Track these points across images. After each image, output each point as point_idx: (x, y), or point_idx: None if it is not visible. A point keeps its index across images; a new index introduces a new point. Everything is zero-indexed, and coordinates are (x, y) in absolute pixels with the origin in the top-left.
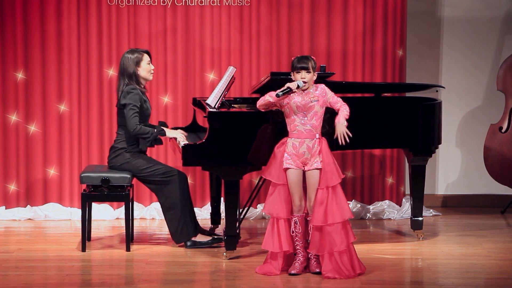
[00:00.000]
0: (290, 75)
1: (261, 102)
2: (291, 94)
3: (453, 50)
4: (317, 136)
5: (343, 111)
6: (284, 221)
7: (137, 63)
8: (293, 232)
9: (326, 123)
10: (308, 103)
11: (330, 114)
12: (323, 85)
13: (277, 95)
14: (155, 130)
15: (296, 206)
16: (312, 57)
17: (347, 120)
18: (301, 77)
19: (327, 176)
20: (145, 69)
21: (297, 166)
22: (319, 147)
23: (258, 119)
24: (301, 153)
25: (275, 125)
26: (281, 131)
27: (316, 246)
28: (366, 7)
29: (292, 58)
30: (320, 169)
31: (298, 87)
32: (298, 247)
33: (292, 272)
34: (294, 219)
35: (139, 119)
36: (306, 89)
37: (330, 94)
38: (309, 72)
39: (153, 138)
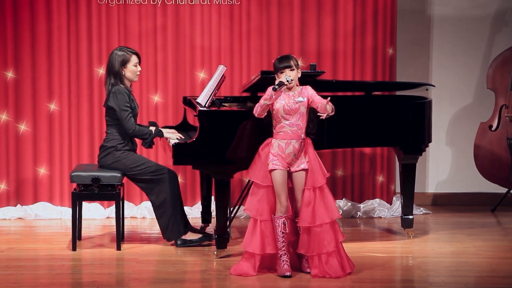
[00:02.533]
0: (276, 76)
1: (258, 109)
2: (279, 94)
3: (443, 48)
4: (303, 136)
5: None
6: (267, 223)
7: (124, 63)
8: (282, 233)
9: (310, 122)
10: (294, 103)
11: (314, 114)
12: (309, 87)
13: (274, 89)
14: (153, 131)
15: (283, 207)
16: (293, 55)
17: (335, 116)
18: (287, 75)
19: (313, 176)
20: (131, 70)
21: (283, 166)
22: (305, 148)
23: (249, 118)
24: (288, 154)
25: (257, 124)
26: (265, 130)
27: (304, 247)
28: (356, 6)
29: (273, 61)
30: (306, 170)
31: (287, 81)
32: (283, 249)
33: (287, 274)
34: (282, 220)
35: None
36: (291, 87)
37: (313, 92)
38: (293, 69)
39: (151, 139)
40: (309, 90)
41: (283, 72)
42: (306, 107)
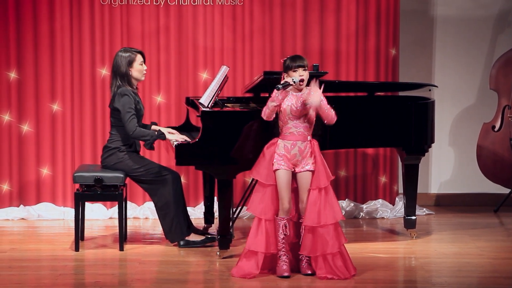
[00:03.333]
0: (284, 75)
1: (266, 111)
2: (286, 95)
3: (446, 49)
4: (309, 138)
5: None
6: (270, 222)
7: (130, 63)
8: (282, 234)
9: (317, 126)
10: (302, 105)
11: (318, 116)
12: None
13: (277, 88)
14: (155, 133)
15: (285, 208)
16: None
17: (337, 117)
18: (299, 75)
19: (319, 177)
20: (137, 69)
21: (288, 167)
22: (311, 149)
23: (251, 119)
24: (293, 155)
25: (263, 124)
26: (268, 131)
27: (308, 248)
28: (359, 6)
29: (281, 60)
30: (312, 171)
31: (294, 82)
32: (283, 250)
33: (285, 274)
34: (283, 222)
35: None
36: (301, 88)
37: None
38: (306, 70)
39: (153, 140)
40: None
41: (296, 70)
42: (313, 109)
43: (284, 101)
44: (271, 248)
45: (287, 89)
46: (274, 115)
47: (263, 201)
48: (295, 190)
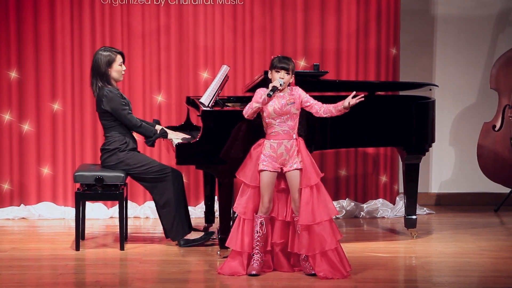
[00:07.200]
0: (269, 72)
1: (249, 111)
2: (272, 98)
3: (447, 48)
4: (294, 136)
5: (329, 106)
6: (250, 222)
7: (109, 63)
8: (258, 232)
9: (301, 127)
10: (285, 106)
11: (304, 116)
12: (298, 87)
13: (269, 95)
14: (158, 130)
15: (265, 208)
16: (293, 59)
17: (338, 116)
18: (280, 77)
19: (307, 175)
20: (116, 70)
21: (274, 168)
22: (297, 148)
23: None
24: (280, 153)
25: (260, 124)
26: (259, 131)
27: (305, 247)
28: (360, 6)
29: (272, 57)
30: (300, 169)
31: (280, 85)
32: (257, 248)
33: (253, 272)
34: (260, 220)
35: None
36: (282, 89)
37: (304, 94)
38: (288, 73)
39: (156, 138)
40: (299, 91)
41: (278, 71)
42: (297, 108)
43: (267, 102)
44: (249, 248)
45: (275, 94)
46: (255, 115)
47: (247, 201)
48: (284, 191)
